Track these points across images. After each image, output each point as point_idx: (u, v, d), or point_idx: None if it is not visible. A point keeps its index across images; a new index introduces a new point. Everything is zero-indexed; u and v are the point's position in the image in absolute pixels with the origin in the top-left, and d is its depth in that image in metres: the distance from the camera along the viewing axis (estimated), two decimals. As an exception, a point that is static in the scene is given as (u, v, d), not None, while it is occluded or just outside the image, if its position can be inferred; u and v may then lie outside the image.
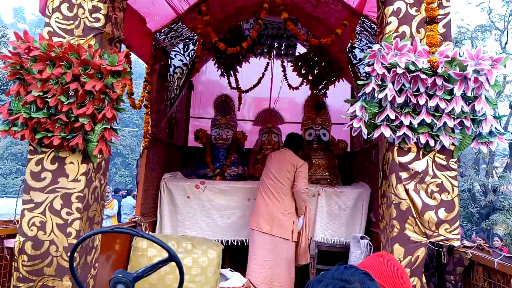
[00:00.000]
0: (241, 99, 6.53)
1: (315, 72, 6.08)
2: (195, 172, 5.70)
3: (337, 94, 6.18)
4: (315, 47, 5.53)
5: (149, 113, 4.54)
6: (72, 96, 2.53)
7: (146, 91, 4.52)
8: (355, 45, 5.01)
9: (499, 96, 16.25)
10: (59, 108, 2.53)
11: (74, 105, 2.53)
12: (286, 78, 6.49)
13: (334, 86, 6.14)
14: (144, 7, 4.22)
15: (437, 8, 2.61)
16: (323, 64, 6.02)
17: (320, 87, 6.14)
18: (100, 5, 2.72)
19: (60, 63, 2.52)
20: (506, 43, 16.89)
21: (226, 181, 5.25)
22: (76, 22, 2.72)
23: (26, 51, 2.55)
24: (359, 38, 5.08)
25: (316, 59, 6.03)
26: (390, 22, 2.65)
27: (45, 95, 2.53)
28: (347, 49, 5.11)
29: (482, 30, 17.02)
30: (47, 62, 2.53)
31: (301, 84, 6.34)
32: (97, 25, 2.71)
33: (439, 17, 2.64)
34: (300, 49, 6.38)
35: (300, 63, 6.11)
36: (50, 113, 2.55)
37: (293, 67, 6.16)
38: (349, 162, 6.10)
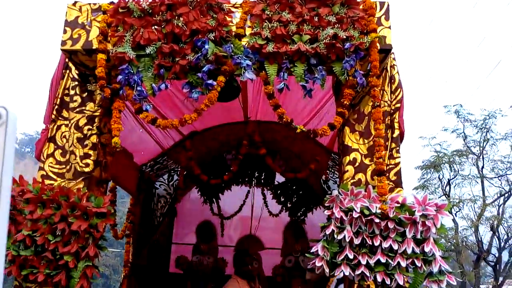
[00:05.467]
0: (224, 225, 6.75)
1: (294, 200, 6.39)
2: (175, 299, 5.74)
3: (316, 220, 6.42)
4: (292, 178, 5.88)
5: (131, 242, 4.74)
6: (58, 235, 2.76)
7: (129, 221, 4.76)
8: (329, 177, 5.38)
9: (479, 219, 16.58)
10: (46, 246, 2.75)
11: (60, 244, 2.75)
12: (266, 205, 6.76)
13: (312, 213, 6.40)
14: (132, 144, 4.60)
15: (385, 161, 2.96)
16: (300, 192, 6.34)
17: (299, 214, 6.41)
18: (91, 152, 3.05)
19: (50, 205, 2.79)
20: (482, 167, 17.55)
21: (204, 310, 5.29)
22: (68, 167, 3.04)
23: (20, 193, 2.83)
24: (332, 171, 5.48)
25: (294, 188, 6.36)
26: (347, 170, 3.00)
27: (34, 234, 2.77)
28: (322, 181, 5.47)
29: (459, 155, 17.73)
30: (38, 204, 2.79)
31: (280, 211, 6.60)
32: (87, 170, 3.02)
33: (390, 166, 3.00)
34: (280, 178, 6.73)
35: (279, 192, 6.44)
36: (37, 250, 2.77)
37: (272, 195, 6.47)
38: (327, 289, 6.18)
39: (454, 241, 16.82)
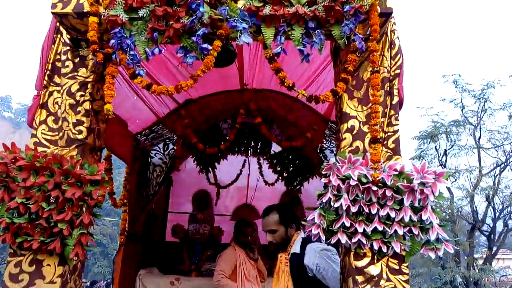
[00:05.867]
0: (219, 194, 6.77)
1: (290, 170, 6.37)
2: (172, 267, 5.77)
3: (312, 190, 6.43)
4: (288, 147, 5.86)
5: (127, 211, 4.72)
6: (52, 203, 2.72)
7: (126, 189, 4.73)
8: (325, 146, 5.35)
9: (475, 190, 16.67)
10: (40, 214, 2.72)
11: (54, 211, 2.71)
12: (262, 175, 6.76)
13: (308, 183, 6.40)
14: (126, 112, 4.53)
15: (383, 128, 2.92)
16: (297, 162, 6.32)
17: (295, 183, 6.41)
18: (84, 119, 2.98)
19: (44, 172, 2.74)
20: (479, 137, 17.56)
21: (201, 277, 5.32)
22: (60, 134, 2.98)
23: (13, 160, 2.77)
24: (329, 140, 5.44)
25: (290, 157, 6.34)
26: (345, 138, 2.95)
27: (28, 202, 2.73)
28: (318, 150, 5.44)
29: (456, 125, 17.70)
30: (31, 171, 2.75)
31: (276, 180, 6.60)
32: (80, 137, 2.96)
33: (389, 133, 2.95)
34: (276, 147, 6.70)
35: (275, 161, 6.42)
36: (31, 218, 2.73)
37: (268, 165, 6.45)
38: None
39: (449, 211, 16.96)
